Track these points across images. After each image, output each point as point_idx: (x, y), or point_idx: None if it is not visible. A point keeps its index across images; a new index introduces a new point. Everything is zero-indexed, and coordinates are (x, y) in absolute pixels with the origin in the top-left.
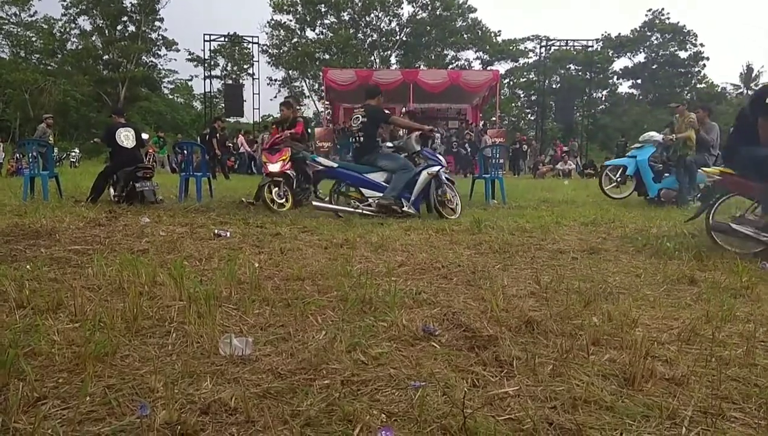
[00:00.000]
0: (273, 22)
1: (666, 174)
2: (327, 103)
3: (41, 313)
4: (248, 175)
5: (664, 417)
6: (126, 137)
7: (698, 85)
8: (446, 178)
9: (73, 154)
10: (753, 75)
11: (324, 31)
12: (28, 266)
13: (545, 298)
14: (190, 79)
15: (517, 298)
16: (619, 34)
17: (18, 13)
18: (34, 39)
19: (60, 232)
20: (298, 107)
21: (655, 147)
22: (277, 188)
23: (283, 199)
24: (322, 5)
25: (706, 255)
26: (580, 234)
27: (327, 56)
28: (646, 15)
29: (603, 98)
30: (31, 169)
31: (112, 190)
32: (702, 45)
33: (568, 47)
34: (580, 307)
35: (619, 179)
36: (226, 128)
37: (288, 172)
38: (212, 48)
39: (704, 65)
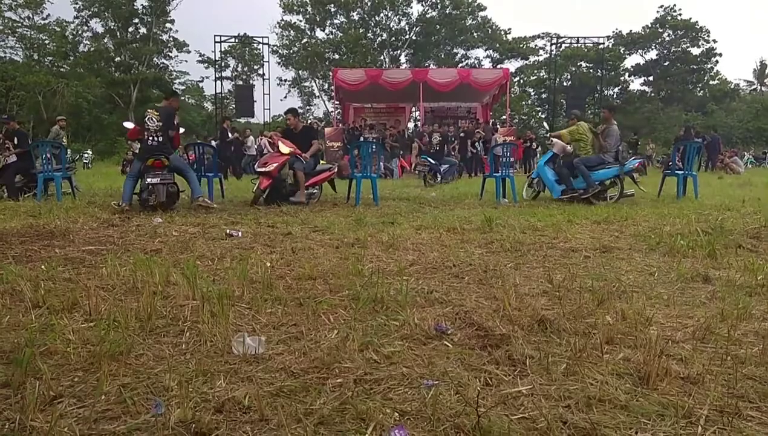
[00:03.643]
0: (283, 22)
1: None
2: (337, 102)
3: (56, 312)
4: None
5: (680, 416)
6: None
7: (711, 82)
8: None
9: (86, 155)
10: (767, 71)
11: (334, 31)
12: (43, 266)
13: (558, 296)
14: (201, 81)
15: (530, 296)
16: (631, 31)
17: (31, 16)
18: (47, 42)
19: (74, 232)
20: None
21: (554, 152)
22: None
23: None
24: (332, 5)
25: (720, 253)
26: (593, 232)
27: (337, 56)
28: (658, 11)
29: (615, 96)
30: (44, 171)
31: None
32: (714, 41)
33: (579, 45)
34: (594, 305)
35: (535, 185)
36: (237, 129)
37: None
38: (223, 49)
39: (717, 62)
